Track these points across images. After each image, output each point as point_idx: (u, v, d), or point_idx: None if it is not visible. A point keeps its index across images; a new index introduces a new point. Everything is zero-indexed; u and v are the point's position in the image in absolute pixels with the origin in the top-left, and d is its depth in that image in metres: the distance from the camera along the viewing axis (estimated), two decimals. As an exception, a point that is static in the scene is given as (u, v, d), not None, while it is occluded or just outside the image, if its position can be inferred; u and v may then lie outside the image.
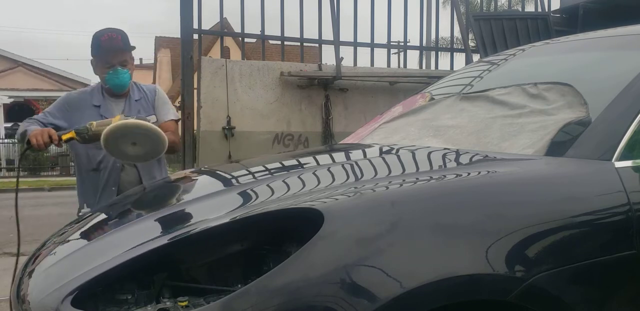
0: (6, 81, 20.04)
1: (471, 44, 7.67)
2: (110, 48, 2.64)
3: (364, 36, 6.52)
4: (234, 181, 2.11)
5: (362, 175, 1.72)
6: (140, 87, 2.83)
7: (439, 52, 7.40)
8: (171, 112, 2.83)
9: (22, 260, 1.81)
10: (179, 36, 5.88)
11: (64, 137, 2.44)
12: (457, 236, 1.26)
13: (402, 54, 7.73)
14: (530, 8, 11.15)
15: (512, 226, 1.30)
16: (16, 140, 2.53)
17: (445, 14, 9.19)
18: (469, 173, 1.51)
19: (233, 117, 5.27)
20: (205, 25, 6.12)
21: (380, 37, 6.72)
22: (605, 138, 1.56)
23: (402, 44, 8.60)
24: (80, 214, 2.54)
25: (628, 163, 1.51)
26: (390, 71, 6.67)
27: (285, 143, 5.64)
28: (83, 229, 1.80)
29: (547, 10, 7.12)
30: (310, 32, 6.33)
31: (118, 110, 2.70)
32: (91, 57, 2.73)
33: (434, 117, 2.23)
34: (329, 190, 1.46)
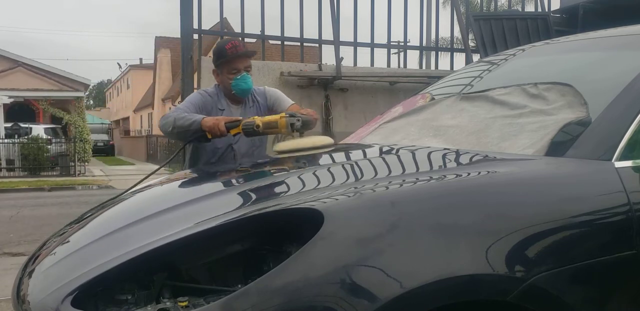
0: (6, 81, 19.99)
1: (471, 44, 7.68)
2: (235, 54, 2.79)
3: (364, 36, 6.54)
4: (234, 181, 2.11)
5: (362, 175, 1.72)
6: (253, 92, 2.93)
7: (439, 52, 7.41)
8: (288, 100, 2.96)
9: (23, 260, 1.81)
10: (179, 36, 5.89)
11: (232, 132, 2.55)
12: (457, 237, 1.25)
13: (402, 54, 7.74)
14: (530, 8, 11.18)
15: (512, 226, 1.30)
16: (179, 128, 2.65)
17: (445, 14, 9.22)
18: (469, 174, 1.51)
19: (233, 117, 5.28)
20: (205, 25, 6.13)
21: (380, 37, 6.74)
22: (605, 138, 1.56)
23: (402, 44, 8.61)
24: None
25: (628, 163, 1.51)
26: (390, 71, 6.68)
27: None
28: (83, 229, 1.80)
29: (547, 10, 7.12)
30: (310, 32, 6.34)
31: (237, 115, 2.78)
32: (214, 67, 2.88)
33: (434, 117, 2.23)
34: (329, 190, 1.46)
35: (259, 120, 2.47)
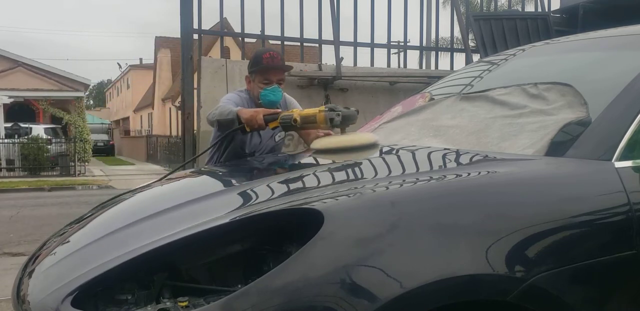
0: (6, 81, 19.98)
1: (471, 44, 7.68)
2: (271, 65, 2.77)
3: (364, 36, 6.54)
4: (234, 181, 2.11)
5: (362, 175, 1.72)
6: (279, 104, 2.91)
7: (439, 52, 7.41)
8: (298, 106, 2.93)
9: (23, 260, 1.81)
10: (179, 36, 5.90)
11: (271, 125, 2.44)
12: (457, 237, 1.25)
13: (402, 54, 7.74)
14: (530, 8, 11.18)
15: (512, 226, 1.30)
16: (219, 116, 2.62)
17: (445, 14, 9.22)
18: (469, 174, 1.51)
19: (233, 117, 5.28)
20: (205, 25, 6.13)
21: (380, 37, 6.74)
22: (605, 138, 1.56)
23: (402, 44, 8.61)
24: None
25: (628, 163, 1.51)
26: (390, 71, 6.68)
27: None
28: (83, 229, 1.80)
29: (547, 10, 7.12)
30: (310, 32, 6.34)
31: None
32: (248, 73, 2.86)
33: (434, 117, 2.23)
34: (329, 190, 1.46)
35: (297, 113, 2.34)
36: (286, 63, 4.21)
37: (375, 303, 1.14)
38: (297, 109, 2.46)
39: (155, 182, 2.32)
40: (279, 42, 6.33)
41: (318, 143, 2.25)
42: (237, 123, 2.51)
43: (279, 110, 2.52)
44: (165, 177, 2.40)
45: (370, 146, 2.10)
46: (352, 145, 2.12)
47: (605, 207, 1.43)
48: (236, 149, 2.86)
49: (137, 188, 2.27)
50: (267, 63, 2.75)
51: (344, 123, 2.20)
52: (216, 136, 2.90)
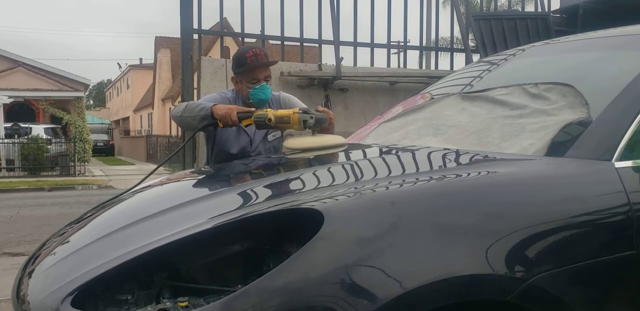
0: (6, 81, 20.00)
1: (471, 44, 7.67)
2: (256, 64, 2.72)
3: (364, 36, 6.54)
4: (233, 181, 2.11)
5: (362, 175, 1.72)
6: (271, 99, 2.88)
7: (439, 52, 7.40)
8: (301, 104, 2.88)
9: (23, 260, 1.81)
10: (179, 36, 5.89)
11: (244, 123, 2.50)
12: (457, 237, 1.25)
13: (402, 54, 7.74)
14: (530, 8, 11.16)
15: (512, 226, 1.30)
16: (189, 112, 2.61)
17: (445, 14, 9.22)
18: (469, 174, 1.51)
19: (233, 117, 5.26)
20: (205, 25, 6.12)
21: (380, 37, 6.73)
22: (605, 138, 1.56)
23: (402, 44, 8.61)
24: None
25: (628, 163, 1.51)
26: (390, 71, 6.68)
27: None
28: (83, 229, 1.80)
29: (547, 10, 7.12)
30: (310, 32, 6.33)
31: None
32: (233, 74, 2.83)
33: (434, 116, 2.23)
34: (329, 190, 1.46)
35: (271, 113, 2.41)
36: (285, 63, 4.18)
37: (375, 303, 1.14)
38: (271, 109, 2.51)
39: (128, 191, 2.27)
40: (279, 42, 6.33)
41: (292, 143, 2.40)
42: (210, 119, 2.52)
43: (253, 109, 2.55)
44: (142, 180, 2.39)
45: (339, 146, 2.28)
46: (324, 145, 2.30)
47: (605, 207, 1.43)
48: (223, 150, 2.83)
49: (135, 189, 2.27)
50: (251, 62, 2.71)
51: (317, 125, 2.37)
52: (207, 136, 2.89)
